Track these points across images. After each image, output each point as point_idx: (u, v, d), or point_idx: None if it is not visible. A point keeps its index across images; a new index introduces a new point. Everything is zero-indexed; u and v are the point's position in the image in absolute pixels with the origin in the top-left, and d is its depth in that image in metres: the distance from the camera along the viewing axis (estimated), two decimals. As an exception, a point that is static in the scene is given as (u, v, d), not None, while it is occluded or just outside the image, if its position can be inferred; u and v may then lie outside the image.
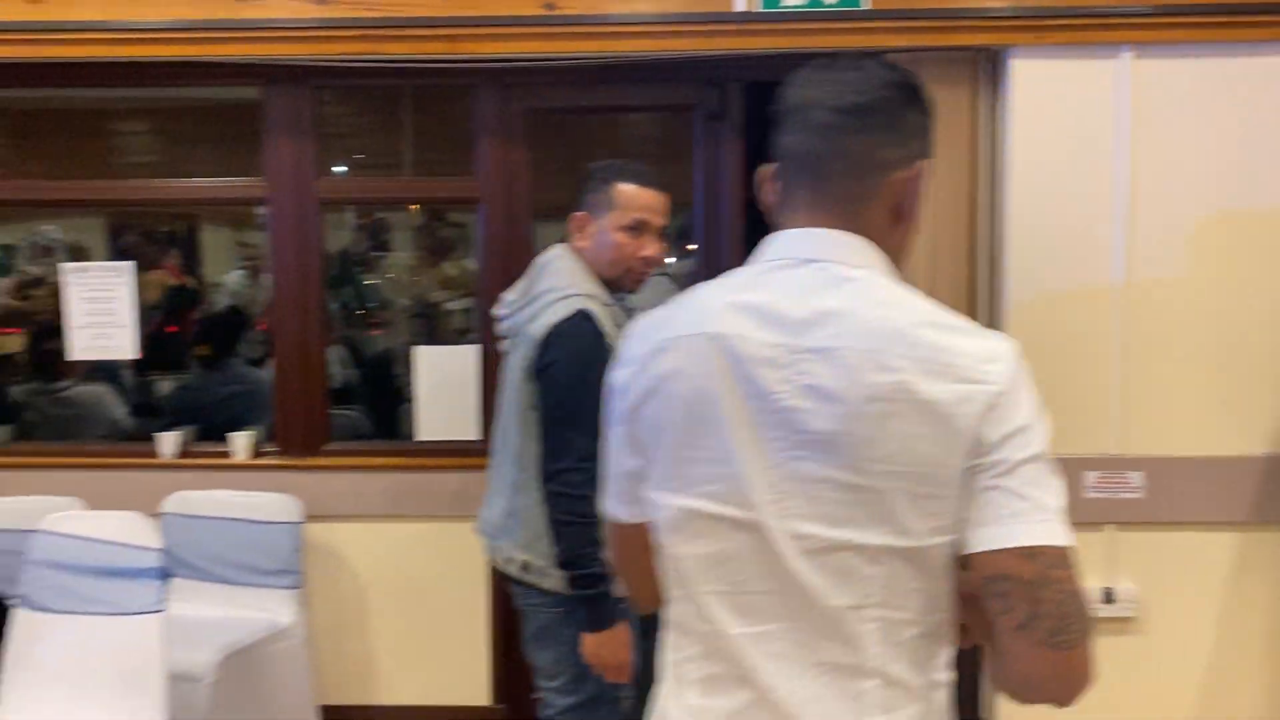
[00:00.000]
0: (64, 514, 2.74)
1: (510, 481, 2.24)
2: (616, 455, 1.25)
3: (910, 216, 1.16)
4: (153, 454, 3.47)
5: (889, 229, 1.15)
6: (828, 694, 1.08)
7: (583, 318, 2.10)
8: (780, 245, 1.15)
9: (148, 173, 5.77)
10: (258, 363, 4.84)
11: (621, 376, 1.22)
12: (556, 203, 3.39)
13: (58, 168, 4.90)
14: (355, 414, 4.35)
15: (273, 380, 3.44)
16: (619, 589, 2.11)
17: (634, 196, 2.20)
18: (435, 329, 4.69)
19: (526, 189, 3.33)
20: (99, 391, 4.31)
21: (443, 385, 3.43)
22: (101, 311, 3.44)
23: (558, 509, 2.08)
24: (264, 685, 3.07)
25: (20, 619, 2.63)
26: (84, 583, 2.62)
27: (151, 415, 4.51)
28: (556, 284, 2.18)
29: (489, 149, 3.30)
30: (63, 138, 4.88)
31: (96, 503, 3.16)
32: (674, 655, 1.19)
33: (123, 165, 5.70)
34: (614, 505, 1.28)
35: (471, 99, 3.31)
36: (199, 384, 4.40)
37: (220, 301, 5.85)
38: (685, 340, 1.13)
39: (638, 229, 2.20)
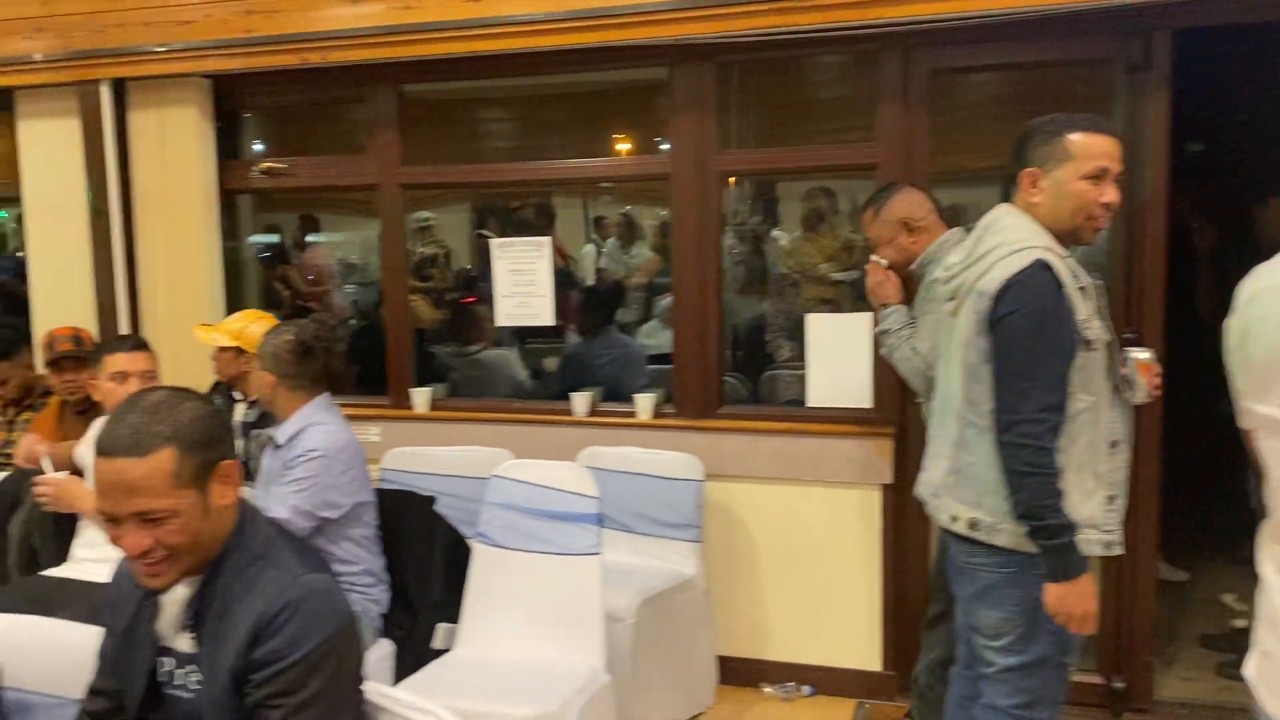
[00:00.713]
0: (515, 462, 3.04)
1: (953, 439, 2.23)
2: (1233, 380, 1.53)
3: None
4: (567, 412, 3.77)
5: None
6: None
7: (1041, 268, 2.06)
8: None
9: (517, 155, 6.19)
10: (629, 330, 5.13)
11: (1231, 320, 1.52)
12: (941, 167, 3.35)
13: (449, 152, 5.35)
14: (732, 379, 4.49)
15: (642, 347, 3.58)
16: (1083, 541, 2.07)
17: (1091, 145, 2.14)
18: (803, 298, 4.74)
19: (925, 153, 3.29)
20: (506, 355, 4.75)
21: (835, 353, 3.47)
22: (523, 282, 3.77)
23: (1016, 461, 2.05)
24: (673, 631, 3.27)
25: (479, 553, 2.96)
26: (532, 523, 2.91)
27: (535, 378, 4.92)
28: (1007, 239, 2.14)
29: (889, 113, 3.29)
30: (444, 125, 5.33)
31: (519, 454, 3.49)
32: (1268, 520, 1.52)
33: (490, 149, 6.16)
34: (1241, 418, 1.54)
35: (873, 64, 3.31)
36: (581, 350, 4.72)
37: (582, 273, 6.24)
38: (1270, 290, 1.46)
39: (1099, 176, 2.13)
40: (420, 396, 3.92)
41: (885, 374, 3.37)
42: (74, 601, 2.60)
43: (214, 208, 4.00)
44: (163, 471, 1.46)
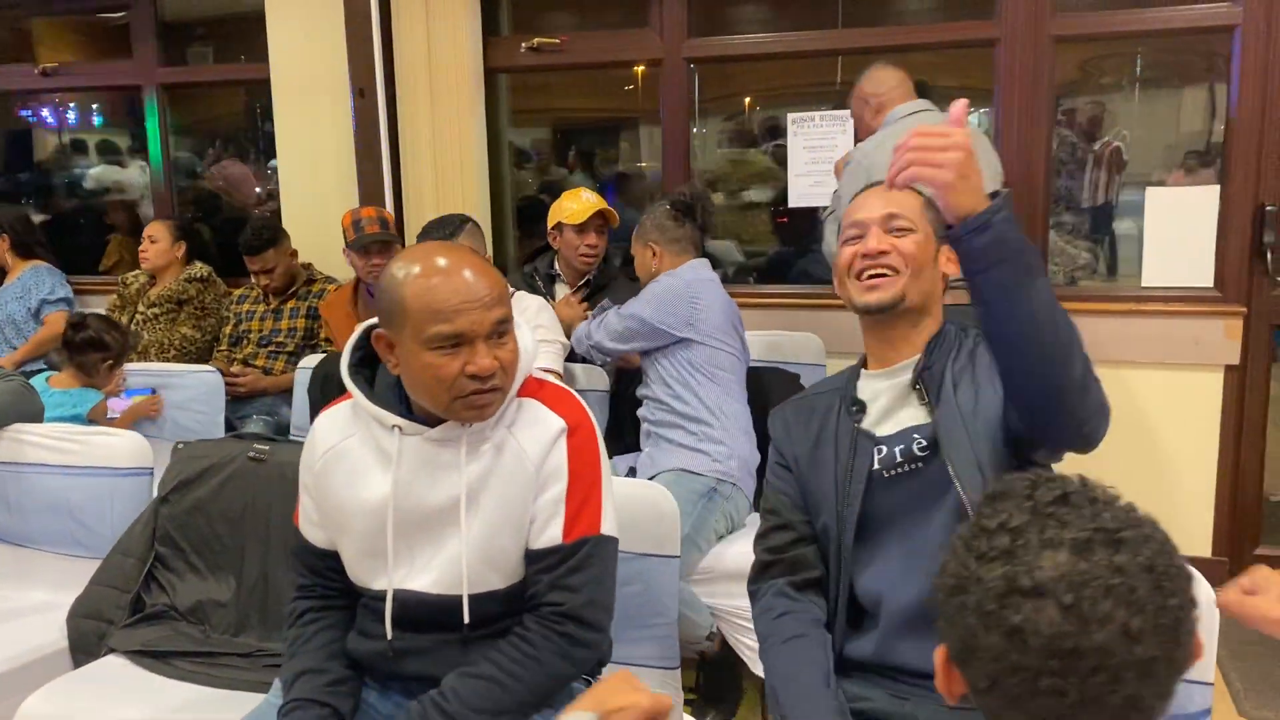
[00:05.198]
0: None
1: None
2: None
3: None
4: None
5: None
6: None
7: None
8: None
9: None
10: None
11: None
12: None
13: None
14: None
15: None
16: None
17: None
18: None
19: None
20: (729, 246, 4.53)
21: (1174, 229, 3.31)
22: (820, 160, 3.60)
23: None
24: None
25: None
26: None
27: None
28: None
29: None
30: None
31: (828, 342, 3.37)
32: None
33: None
34: None
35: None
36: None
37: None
38: None
39: None
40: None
41: (1230, 251, 3.24)
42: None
43: (479, 88, 3.80)
44: (916, 202, 1.66)
